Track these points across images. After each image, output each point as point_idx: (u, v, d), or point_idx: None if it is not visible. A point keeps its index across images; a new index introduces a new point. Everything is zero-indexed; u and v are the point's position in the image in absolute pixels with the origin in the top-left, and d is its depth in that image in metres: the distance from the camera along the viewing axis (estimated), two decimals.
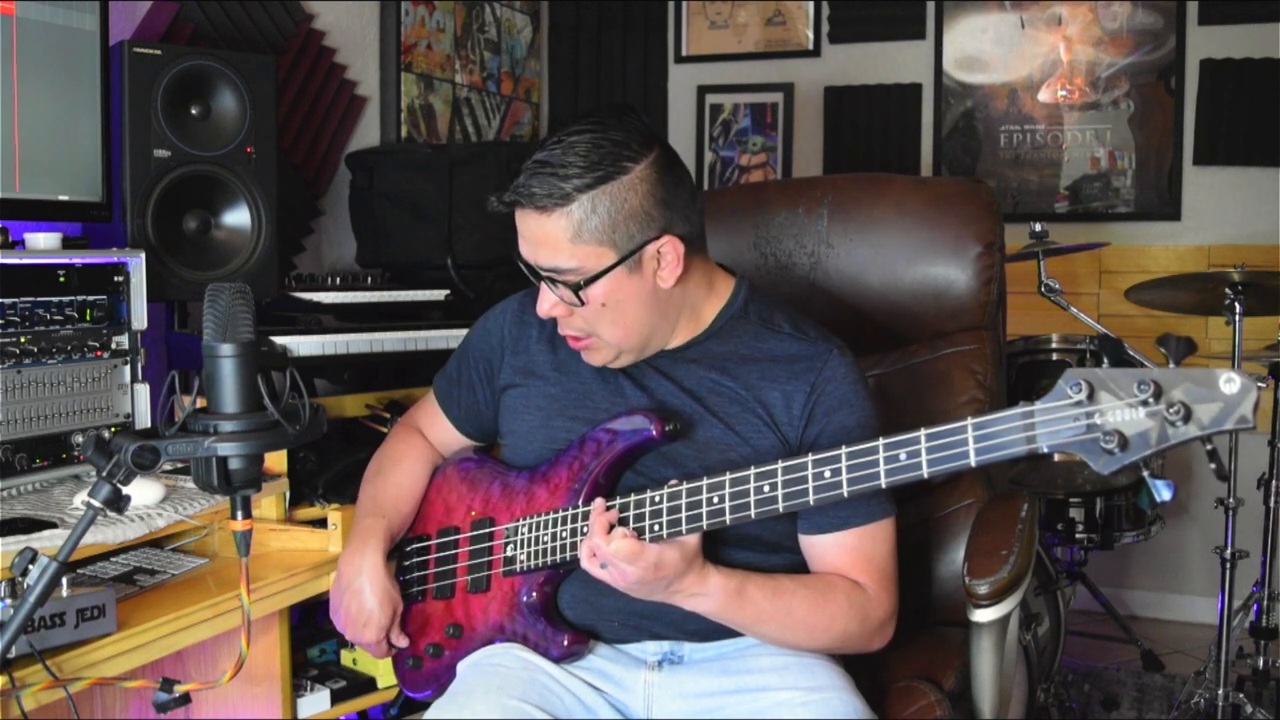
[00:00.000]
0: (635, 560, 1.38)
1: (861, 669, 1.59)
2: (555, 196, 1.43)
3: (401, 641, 1.66)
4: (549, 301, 1.52)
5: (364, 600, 1.62)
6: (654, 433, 1.49)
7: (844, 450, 1.33)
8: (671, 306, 1.55)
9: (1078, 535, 3.04)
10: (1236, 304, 2.67)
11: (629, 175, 1.45)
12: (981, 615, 1.59)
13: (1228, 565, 2.82)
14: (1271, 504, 2.80)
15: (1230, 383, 1.09)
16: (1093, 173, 3.94)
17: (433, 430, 1.81)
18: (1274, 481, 2.80)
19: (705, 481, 1.41)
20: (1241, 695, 2.73)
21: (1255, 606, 2.96)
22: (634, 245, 1.47)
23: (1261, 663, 2.94)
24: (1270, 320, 2.86)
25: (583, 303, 1.48)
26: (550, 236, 1.46)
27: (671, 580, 1.41)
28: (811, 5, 4.16)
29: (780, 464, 1.37)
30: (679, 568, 1.40)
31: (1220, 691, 2.70)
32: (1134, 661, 3.41)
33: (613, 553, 1.38)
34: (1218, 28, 3.74)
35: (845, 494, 1.33)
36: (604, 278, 1.47)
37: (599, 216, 1.44)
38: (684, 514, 1.41)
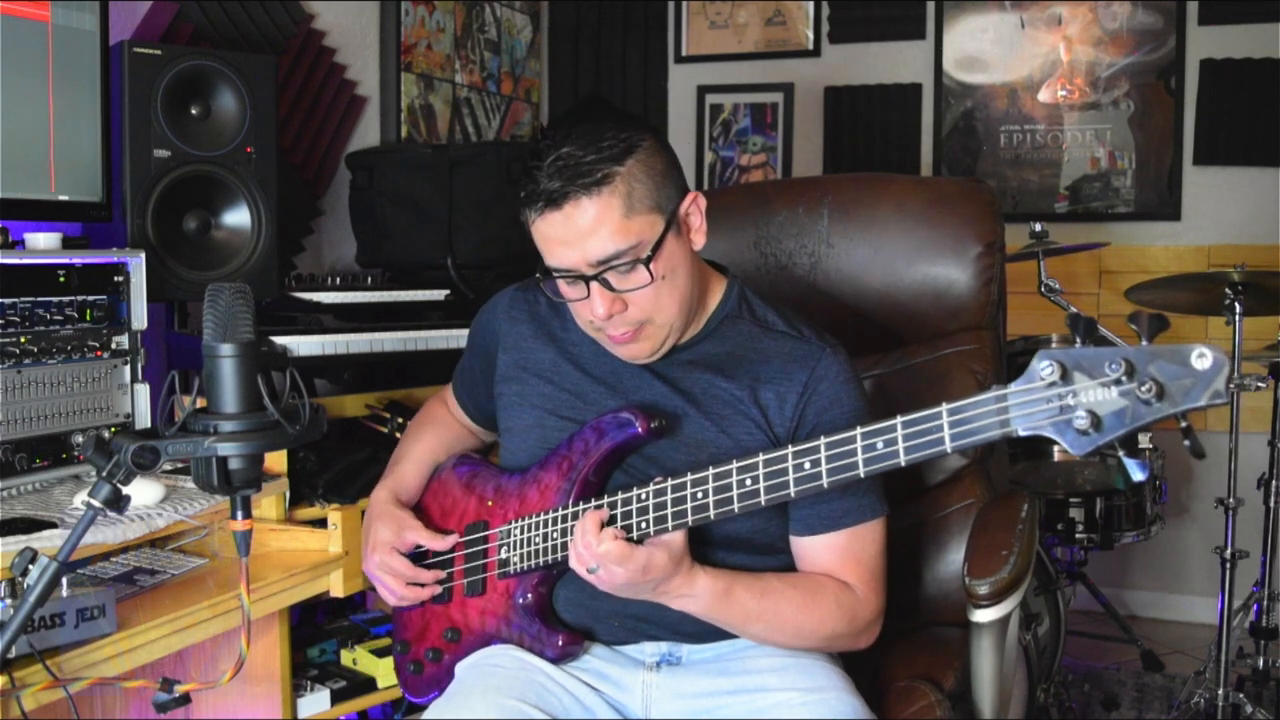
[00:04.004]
0: (624, 562, 1.38)
1: (861, 669, 1.59)
2: (598, 175, 1.40)
3: (424, 576, 1.65)
4: (605, 301, 1.45)
5: (371, 524, 1.68)
6: (639, 429, 1.48)
7: (823, 441, 1.33)
8: (699, 278, 1.57)
9: (1078, 535, 3.04)
10: (1236, 304, 2.67)
11: (646, 142, 1.46)
12: (982, 615, 1.59)
13: (1228, 565, 2.82)
14: (1271, 504, 2.80)
15: (1202, 358, 1.07)
16: (1093, 173, 3.94)
17: (455, 411, 1.86)
18: (1274, 481, 2.80)
19: (689, 477, 1.41)
20: (1241, 695, 2.73)
21: (1255, 606, 2.96)
22: (673, 204, 1.48)
23: (1261, 663, 2.94)
24: (1270, 320, 2.86)
25: (652, 278, 1.44)
26: (605, 217, 1.41)
27: (659, 582, 1.41)
28: (811, 5, 4.16)
29: (761, 456, 1.37)
30: (667, 570, 1.40)
31: (1220, 691, 2.70)
32: (1134, 661, 3.41)
33: (603, 554, 1.38)
34: (1218, 28, 3.74)
35: (825, 484, 1.32)
36: (662, 245, 1.45)
37: (642, 183, 1.43)
38: (669, 510, 1.41)
